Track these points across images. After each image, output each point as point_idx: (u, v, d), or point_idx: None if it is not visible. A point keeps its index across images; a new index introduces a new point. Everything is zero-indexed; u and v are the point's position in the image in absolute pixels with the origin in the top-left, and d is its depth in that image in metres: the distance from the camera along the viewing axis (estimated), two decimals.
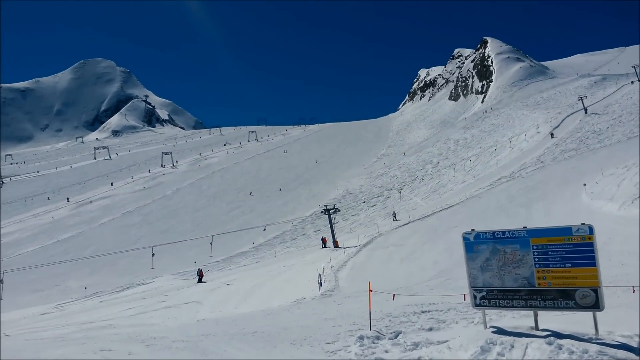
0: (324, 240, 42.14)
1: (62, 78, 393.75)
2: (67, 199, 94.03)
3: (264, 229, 61.00)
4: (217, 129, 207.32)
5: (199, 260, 49.99)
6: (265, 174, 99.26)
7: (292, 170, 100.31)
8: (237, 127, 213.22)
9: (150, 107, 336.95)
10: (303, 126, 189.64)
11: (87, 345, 13.61)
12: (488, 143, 75.54)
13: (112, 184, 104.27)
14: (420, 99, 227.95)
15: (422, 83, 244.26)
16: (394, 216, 47.85)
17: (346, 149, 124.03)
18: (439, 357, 7.29)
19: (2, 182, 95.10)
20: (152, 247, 54.30)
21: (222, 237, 58.41)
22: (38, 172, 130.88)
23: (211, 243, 54.47)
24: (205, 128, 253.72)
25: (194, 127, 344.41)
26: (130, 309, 28.97)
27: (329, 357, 8.35)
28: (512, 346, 6.87)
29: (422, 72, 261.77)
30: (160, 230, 68.89)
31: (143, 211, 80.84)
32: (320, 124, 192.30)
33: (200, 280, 36.30)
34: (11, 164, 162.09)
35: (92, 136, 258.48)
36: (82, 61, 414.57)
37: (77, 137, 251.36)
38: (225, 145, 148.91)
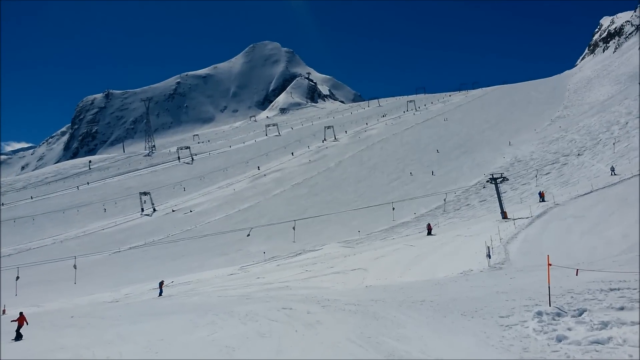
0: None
1: (236, 62, 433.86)
2: (258, 167, 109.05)
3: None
4: (376, 100, 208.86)
5: (362, 230, 51.75)
6: (425, 144, 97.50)
7: (453, 139, 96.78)
8: (396, 97, 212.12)
9: (312, 83, 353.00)
10: (465, 91, 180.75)
11: (270, 303, 15.23)
12: None
13: (292, 153, 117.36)
14: (603, 51, 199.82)
15: (605, 33, 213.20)
16: (612, 170, 42.35)
17: (514, 113, 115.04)
18: (634, 339, 6.55)
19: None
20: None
21: (384, 207, 59.37)
22: (230, 146, 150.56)
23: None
24: (364, 100, 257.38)
25: (353, 100, 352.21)
26: (302, 273, 31.45)
27: (505, 332, 8.07)
28: None
29: (605, 21, 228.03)
30: (326, 200, 72.65)
31: (309, 183, 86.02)
32: (483, 88, 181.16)
33: (429, 233, 39.28)
34: (198, 143, 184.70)
35: (263, 114, 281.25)
36: (251, 45, 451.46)
37: (250, 117, 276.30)
38: (384, 116, 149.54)
